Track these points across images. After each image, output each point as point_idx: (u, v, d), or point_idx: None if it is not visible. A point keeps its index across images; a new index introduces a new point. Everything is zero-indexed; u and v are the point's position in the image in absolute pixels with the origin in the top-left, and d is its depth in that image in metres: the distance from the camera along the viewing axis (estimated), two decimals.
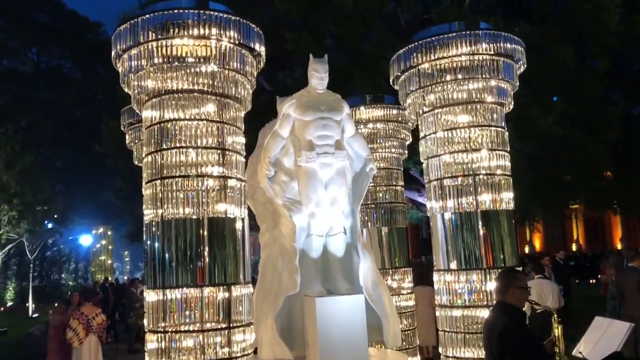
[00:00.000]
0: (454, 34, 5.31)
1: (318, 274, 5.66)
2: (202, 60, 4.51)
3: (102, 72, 37.17)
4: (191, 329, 4.31)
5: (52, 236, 28.67)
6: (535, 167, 14.09)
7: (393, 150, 7.37)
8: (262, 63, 5.05)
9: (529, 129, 12.46)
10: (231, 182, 4.67)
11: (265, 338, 5.30)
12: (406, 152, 7.61)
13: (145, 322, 6.86)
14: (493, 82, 5.38)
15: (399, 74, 5.75)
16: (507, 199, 5.36)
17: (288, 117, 5.67)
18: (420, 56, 5.42)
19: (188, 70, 4.53)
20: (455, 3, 13.76)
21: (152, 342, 4.41)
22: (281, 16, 14.13)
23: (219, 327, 4.32)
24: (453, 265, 5.35)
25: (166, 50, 4.46)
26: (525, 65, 5.64)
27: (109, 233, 28.22)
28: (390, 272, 7.26)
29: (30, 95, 36.37)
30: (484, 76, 5.32)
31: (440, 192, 5.48)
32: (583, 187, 15.68)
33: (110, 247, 28.21)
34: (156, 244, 4.47)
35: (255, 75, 4.98)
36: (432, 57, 5.37)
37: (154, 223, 4.52)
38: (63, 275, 34.26)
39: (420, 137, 5.80)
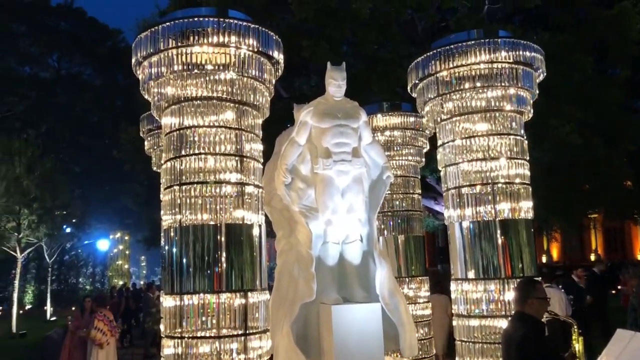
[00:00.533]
0: (472, 42, 5.29)
1: (334, 282, 5.64)
2: (221, 67, 4.55)
3: (121, 79, 37.63)
4: (208, 334, 4.32)
5: (70, 240, 28.97)
6: (554, 176, 13.94)
7: (410, 158, 7.35)
8: (280, 71, 5.07)
9: (547, 138, 12.34)
10: (249, 189, 4.69)
11: (282, 345, 5.29)
12: (423, 159, 7.59)
13: (161, 327, 6.92)
14: (512, 90, 5.35)
15: (417, 81, 5.74)
16: (526, 208, 5.31)
17: (305, 125, 5.68)
18: (438, 64, 5.41)
19: (207, 78, 4.57)
20: (473, 11, 13.70)
21: (168, 348, 4.42)
22: (298, 24, 14.19)
23: (236, 333, 4.32)
24: (471, 274, 5.30)
25: (186, 57, 4.51)
26: (545, 74, 5.60)
27: (126, 238, 28.46)
28: (407, 280, 7.22)
29: (50, 101, 36.89)
30: (502, 84, 5.29)
31: (458, 200, 5.45)
32: (602, 196, 15.45)
33: (127, 252, 28.45)
34: (174, 250, 4.50)
35: (274, 82, 5.01)
36: (451, 65, 5.36)
37: (172, 228, 4.55)
38: (80, 280, 34.63)
39: (438, 145, 5.78)
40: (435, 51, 5.46)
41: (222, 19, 4.51)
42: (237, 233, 4.54)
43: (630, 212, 18.79)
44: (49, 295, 24.53)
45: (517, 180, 5.32)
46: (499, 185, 5.27)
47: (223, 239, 4.46)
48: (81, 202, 25.83)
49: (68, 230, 26.73)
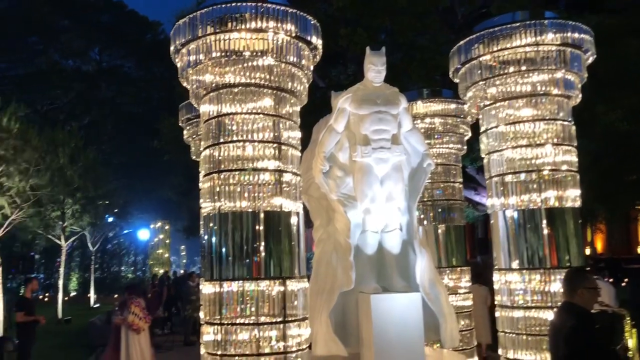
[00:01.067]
0: (517, 24, 5.10)
1: (373, 271, 5.57)
2: (259, 53, 4.50)
3: (160, 71, 38.17)
4: (247, 322, 4.31)
5: (112, 230, 29.68)
6: (599, 164, 13.47)
7: (451, 145, 7.19)
8: (318, 57, 5.00)
9: (593, 124, 11.91)
10: (286, 176, 4.64)
11: (320, 334, 5.26)
12: (465, 147, 7.41)
13: (201, 314, 6.98)
14: (559, 74, 5.14)
15: (459, 66, 5.59)
16: (573, 196, 5.12)
17: (343, 112, 5.60)
18: (481, 47, 5.25)
19: (245, 64, 4.53)
20: None
21: (208, 334, 4.44)
22: (335, 13, 14.06)
23: (275, 320, 4.30)
24: (515, 264, 5.15)
25: (224, 44, 4.48)
26: (595, 56, 5.36)
27: (166, 227, 28.93)
28: (447, 271, 7.09)
29: (93, 94, 37.70)
30: (549, 67, 5.09)
31: (502, 188, 5.29)
32: None
33: (167, 241, 28.93)
34: (213, 237, 4.49)
35: (312, 68, 4.93)
36: (495, 49, 5.18)
37: (211, 216, 4.54)
38: (122, 268, 35.47)
39: (481, 131, 5.62)
40: (478, 34, 5.29)
41: (259, 4, 4.45)
42: (275, 221, 4.50)
43: None
44: (92, 282, 25.21)
45: (564, 168, 5.13)
46: (545, 172, 5.08)
47: (261, 226, 4.43)
48: (123, 192, 26.36)
49: (110, 219, 27.36)
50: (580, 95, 5.37)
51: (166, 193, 31.00)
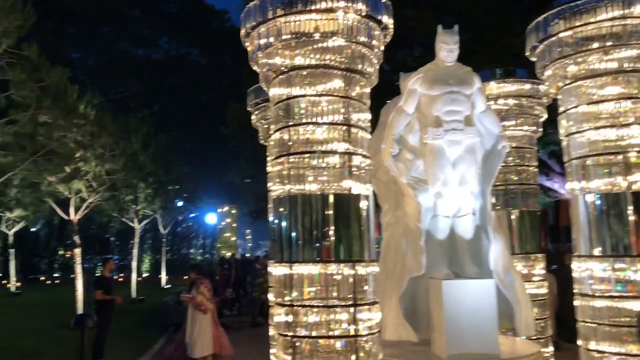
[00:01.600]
0: None
1: (444, 256, 5.45)
2: (329, 34, 4.43)
3: (226, 58, 38.87)
4: (317, 304, 4.31)
5: (182, 213, 30.69)
6: None
7: (526, 127, 6.90)
8: (389, 37, 4.87)
9: None
10: (356, 159, 4.58)
11: (389, 319, 5.21)
12: (540, 130, 7.08)
13: (270, 296, 7.07)
14: None
15: (536, 44, 5.32)
16: None
17: (414, 93, 5.47)
18: (562, 23, 4.96)
19: (315, 46, 4.48)
20: None
21: (278, 315, 4.46)
22: None
23: (345, 304, 4.27)
24: (597, 251, 4.88)
25: (294, 26, 4.44)
26: None
27: (233, 211, 29.61)
28: (520, 257, 6.84)
29: (162, 82, 38.89)
30: (638, 42, 4.74)
31: (582, 172, 5.02)
32: None
33: (234, 225, 29.62)
34: (283, 219, 4.50)
35: (382, 49, 4.82)
36: (576, 24, 4.88)
37: (280, 199, 4.55)
38: (191, 250, 36.68)
39: (560, 112, 5.34)
40: (558, 9, 5.00)
41: None
42: (345, 204, 4.45)
43: None
44: (163, 264, 26.21)
45: None
46: (632, 155, 4.77)
47: (330, 210, 4.39)
48: (192, 178, 27.15)
49: (180, 203, 28.27)
50: None
51: (232, 178, 31.65)
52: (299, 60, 4.53)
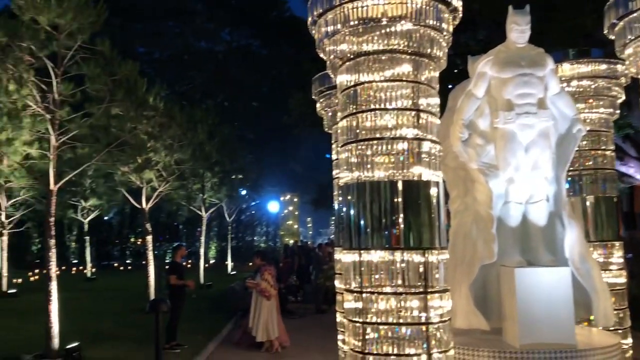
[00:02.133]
0: None
1: (516, 244, 5.32)
2: (397, 19, 4.37)
3: (286, 48, 39.16)
4: (387, 291, 4.30)
5: (246, 202, 31.34)
6: None
7: (602, 110, 6.59)
8: (458, 19, 4.77)
9: None
10: (425, 145, 4.51)
11: (460, 307, 5.15)
12: (617, 112, 6.75)
13: (336, 282, 7.12)
14: None
15: (615, 21, 5.05)
16: None
17: (483, 76, 5.34)
18: None
19: (383, 31, 4.43)
20: None
21: (348, 302, 4.49)
22: None
23: (416, 291, 4.24)
24: None
25: (361, 11, 4.40)
26: None
27: (295, 200, 29.97)
28: (597, 245, 6.57)
29: (225, 73, 39.66)
30: None
31: None
32: None
33: (296, 213, 30.00)
34: (351, 207, 4.50)
35: (451, 31, 4.72)
36: None
37: (348, 186, 4.55)
38: (255, 238, 37.45)
39: None
40: None
41: None
42: (414, 191, 4.40)
43: None
44: (229, 251, 26.89)
45: None
46: None
47: (400, 197, 4.35)
48: (255, 167, 27.65)
49: (244, 192, 28.87)
50: None
51: (293, 167, 32.00)
52: (366, 46, 4.50)
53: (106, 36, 9.93)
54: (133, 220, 34.14)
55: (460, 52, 14.41)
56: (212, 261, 32.95)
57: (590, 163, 6.66)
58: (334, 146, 7.37)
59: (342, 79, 4.73)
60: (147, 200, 14.71)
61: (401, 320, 4.23)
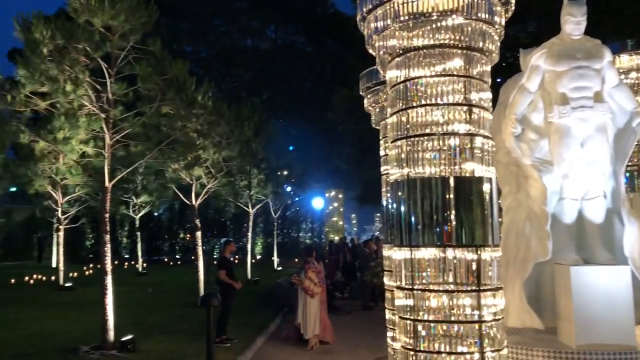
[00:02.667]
0: None
1: (572, 241, 5.19)
2: (448, 13, 4.31)
3: (331, 45, 39.17)
4: (439, 288, 4.25)
5: (291, 198, 31.55)
6: None
7: None
8: (510, 11, 4.66)
9: None
10: (478, 141, 4.43)
11: (513, 305, 5.06)
12: None
13: (385, 279, 7.10)
14: None
15: None
16: None
17: (537, 69, 5.22)
18: None
19: (433, 25, 4.38)
20: None
21: (399, 299, 4.47)
22: None
23: (468, 289, 4.19)
24: None
25: (411, 6, 4.37)
26: None
27: (340, 196, 29.96)
28: None
29: (270, 70, 39.99)
30: None
31: None
32: None
33: (341, 209, 29.99)
34: (402, 203, 4.47)
35: (504, 24, 4.62)
36: None
37: (399, 182, 4.53)
38: (300, 234, 37.67)
39: None
40: None
41: None
42: (467, 187, 4.34)
43: None
44: (275, 247, 27.15)
45: None
46: None
47: (451, 194, 4.30)
48: (300, 163, 27.79)
49: (289, 189, 29.07)
50: None
51: (338, 163, 32.01)
52: (416, 41, 4.46)
53: (155, 36, 10.17)
54: (182, 216, 34.92)
55: (510, 45, 14.11)
56: (258, 257, 33.34)
57: None
58: (382, 142, 7.33)
59: (392, 74, 4.70)
60: (197, 197, 15.01)
61: (453, 318, 4.19)
